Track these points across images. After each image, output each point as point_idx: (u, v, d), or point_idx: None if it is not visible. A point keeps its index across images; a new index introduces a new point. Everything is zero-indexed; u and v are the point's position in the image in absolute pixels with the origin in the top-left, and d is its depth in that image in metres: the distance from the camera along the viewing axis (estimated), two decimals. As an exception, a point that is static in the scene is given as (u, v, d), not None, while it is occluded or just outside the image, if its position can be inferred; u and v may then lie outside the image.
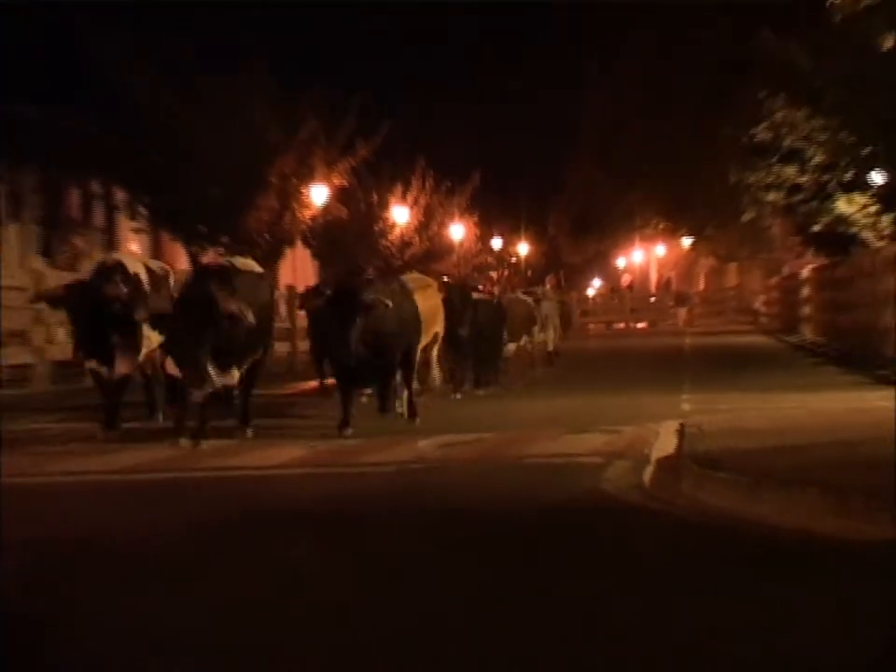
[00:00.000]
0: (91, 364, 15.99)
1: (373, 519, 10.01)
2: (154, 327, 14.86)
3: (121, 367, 15.41)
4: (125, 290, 15.17)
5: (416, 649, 6.18)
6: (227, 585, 7.72)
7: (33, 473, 13.11)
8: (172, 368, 15.11)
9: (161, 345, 15.36)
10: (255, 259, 45.81)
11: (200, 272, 16.39)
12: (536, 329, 28.62)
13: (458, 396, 22.06)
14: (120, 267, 15.72)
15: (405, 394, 17.86)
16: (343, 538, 9.29)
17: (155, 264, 17.63)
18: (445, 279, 23.73)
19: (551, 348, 30.99)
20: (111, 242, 48.95)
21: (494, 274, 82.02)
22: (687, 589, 7.23)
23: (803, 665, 5.72)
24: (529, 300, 28.90)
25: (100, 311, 15.03)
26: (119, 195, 46.58)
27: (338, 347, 15.92)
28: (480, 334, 22.67)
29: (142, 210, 44.90)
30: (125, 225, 48.25)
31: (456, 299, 21.53)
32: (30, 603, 7.42)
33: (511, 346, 26.21)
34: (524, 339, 27.53)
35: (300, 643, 6.36)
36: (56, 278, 22.92)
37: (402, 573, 7.97)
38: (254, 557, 8.57)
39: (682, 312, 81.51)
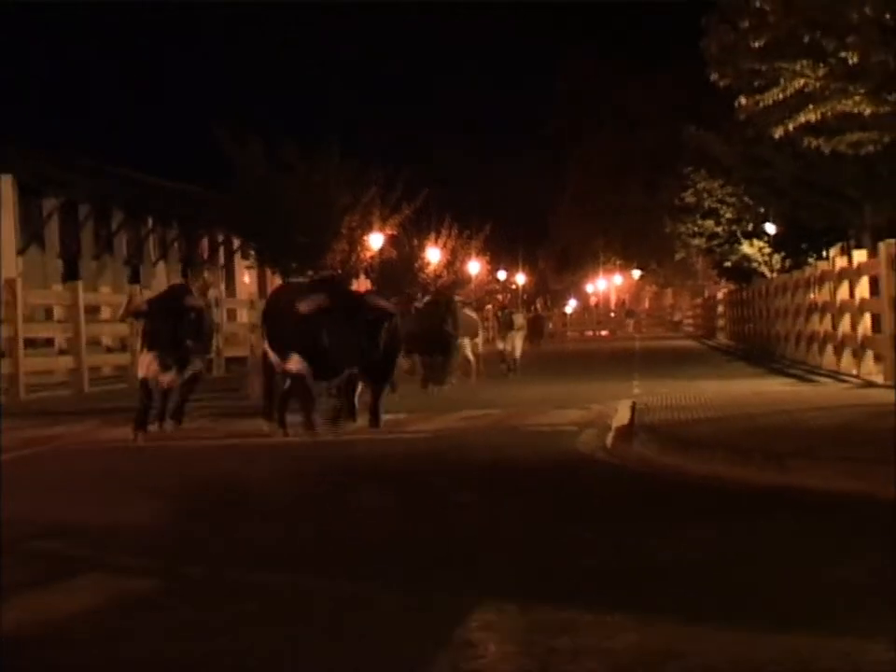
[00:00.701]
0: (149, 369, 13.11)
1: (422, 469, 10.00)
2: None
3: (192, 368, 13.39)
4: (200, 302, 14.15)
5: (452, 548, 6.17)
6: (318, 520, 7.68)
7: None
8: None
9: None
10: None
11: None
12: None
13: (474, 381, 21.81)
14: (187, 287, 14.67)
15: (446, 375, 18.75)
16: (403, 482, 9.27)
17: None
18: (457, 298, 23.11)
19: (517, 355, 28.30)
20: (230, 275, 49.15)
21: (500, 297, 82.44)
22: (631, 515, 7.22)
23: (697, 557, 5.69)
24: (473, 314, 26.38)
25: (179, 318, 13.46)
26: (236, 242, 46.77)
27: (436, 333, 17.51)
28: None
29: (251, 252, 45.32)
30: (240, 263, 48.41)
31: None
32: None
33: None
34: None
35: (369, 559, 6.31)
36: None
37: (446, 504, 7.97)
38: (338, 501, 8.52)
39: (631, 322, 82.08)
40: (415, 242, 56.41)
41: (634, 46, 74.09)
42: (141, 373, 13.29)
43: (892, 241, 18.56)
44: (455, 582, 5.47)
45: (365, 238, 46.16)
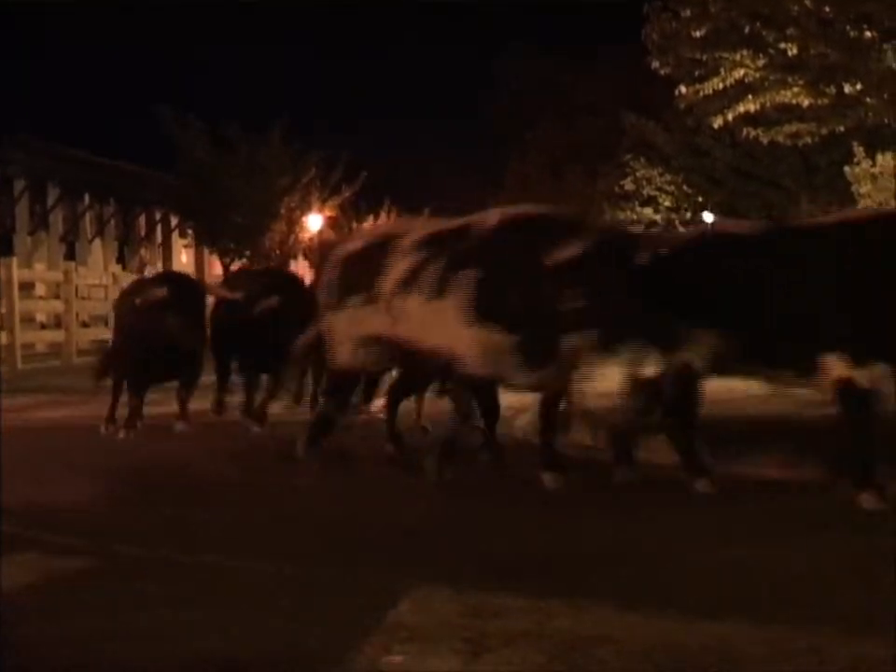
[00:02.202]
0: None
1: (352, 451, 9.96)
2: None
3: None
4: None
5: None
6: (251, 501, 7.67)
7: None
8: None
9: None
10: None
11: None
12: None
13: None
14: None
15: None
16: (331, 463, 9.24)
17: None
18: None
19: None
20: (168, 253, 48.94)
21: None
22: (567, 501, 7.24)
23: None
24: None
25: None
26: (174, 220, 46.59)
27: None
28: None
29: (189, 232, 45.28)
30: (178, 242, 48.19)
31: None
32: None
33: None
34: None
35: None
36: (127, 280, 22.96)
37: (378, 485, 7.96)
38: (271, 481, 8.49)
39: None
40: (354, 224, 56.42)
41: (576, 33, 74.34)
42: None
43: (828, 232, 18.72)
44: (389, 564, 5.48)
45: (304, 219, 46.21)
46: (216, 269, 45.78)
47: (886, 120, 17.22)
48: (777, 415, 10.32)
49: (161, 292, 10.35)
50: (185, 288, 10.70)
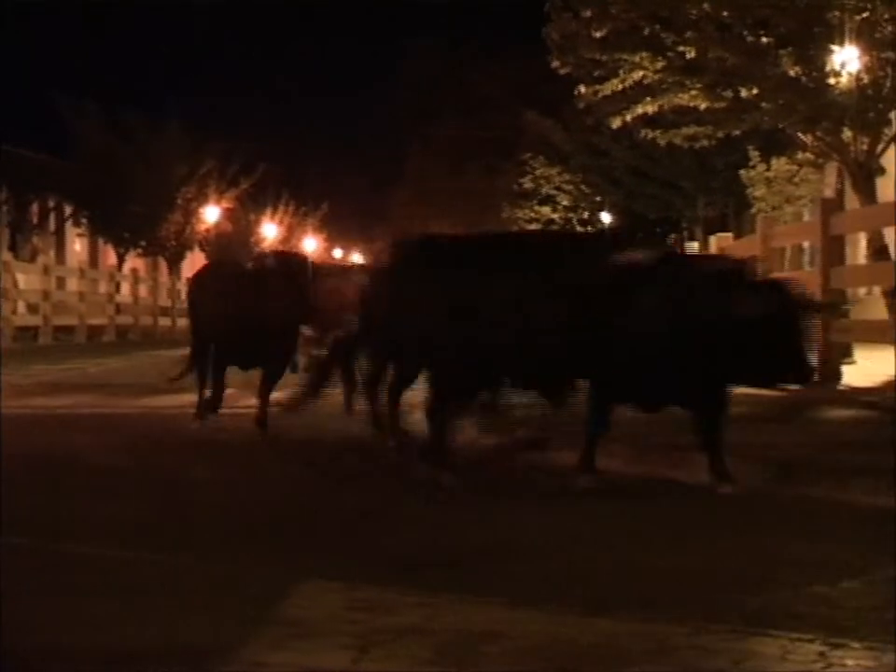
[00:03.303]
0: None
1: (249, 445, 9.92)
2: None
3: None
4: None
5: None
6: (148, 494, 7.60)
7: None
8: None
9: None
10: (164, 259, 45.67)
11: None
12: None
13: None
14: None
15: None
16: (228, 456, 9.20)
17: None
18: None
19: None
20: (61, 242, 48.30)
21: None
22: (461, 497, 7.24)
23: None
24: None
25: None
26: (68, 209, 45.99)
27: None
28: None
29: (83, 220, 44.71)
30: (72, 230, 47.57)
31: None
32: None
33: None
34: None
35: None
36: (20, 268, 22.74)
37: (278, 480, 7.92)
38: (166, 475, 8.43)
39: None
40: (252, 217, 56.18)
41: (478, 30, 74.46)
42: None
43: (723, 234, 19.01)
44: (282, 559, 5.45)
45: (201, 210, 45.88)
46: (110, 258, 45.37)
47: (781, 125, 17.47)
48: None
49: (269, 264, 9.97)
50: (292, 264, 10.17)
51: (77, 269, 33.51)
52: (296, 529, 6.26)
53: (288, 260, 10.38)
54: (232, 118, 59.28)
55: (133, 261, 43.35)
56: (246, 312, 9.80)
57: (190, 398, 12.82)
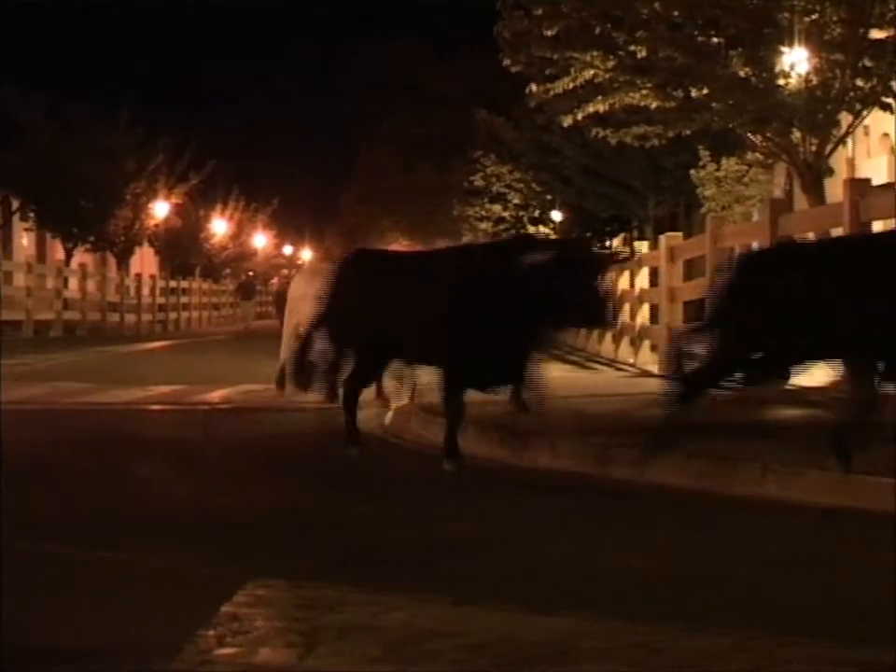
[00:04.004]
0: None
1: (192, 441, 9.91)
2: None
3: None
4: None
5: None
6: (88, 491, 7.55)
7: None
8: None
9: None
10: (113, 254, 45.47)
11: None
12: None
13: None
14: None
15: None
16: (171, 453, 9.17)
17: None
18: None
19: None
20: (8, 237, 47.93)
21: (285, 272, 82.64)
22: (406, 494, 7.27)
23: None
24: None
25: None
26: (15, 203, 45.65)
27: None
28: None
29: (31, 215, 44.41)
30: (19, 225, 47.23)
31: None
32: None
33: None
34: None
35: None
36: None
37: (220, 477, 7.90)
38: (101, 472, 8.39)
39: None
40: (202, 212, 56.00)
41: (429, 29, 74.55)
42: None
43: (673, 233, 19.07)
44: (227, 557, 5.43)
45: (150, 206, 45.68)
46: (57, 253, 45.04)
47: (731, 125, 17.54)
48: (614, 412, 10.47)
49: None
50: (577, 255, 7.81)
51: (25, 264, 33.28)
52: (240, 526, 6.23)
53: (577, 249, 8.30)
54: (183, 113, 59.14)
55: (82, 256, 43.07)
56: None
57: (137, 393, 12.79)
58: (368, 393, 10.00)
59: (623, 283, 20.47)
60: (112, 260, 45.84)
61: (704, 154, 27.58)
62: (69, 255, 43.18)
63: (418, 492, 7.47)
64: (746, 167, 26.98)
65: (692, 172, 28.40)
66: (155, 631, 4.23)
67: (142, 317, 38.37)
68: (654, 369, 17.02)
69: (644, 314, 19.17)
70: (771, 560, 5.37)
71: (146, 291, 39.91)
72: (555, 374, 16.88)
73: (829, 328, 6.96)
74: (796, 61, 16.21)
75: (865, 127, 21.36)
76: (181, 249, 52.77)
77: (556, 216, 44.44)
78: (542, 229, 46.11)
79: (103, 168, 42.19)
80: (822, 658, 3.90)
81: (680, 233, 19.77)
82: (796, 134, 16.56)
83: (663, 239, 18.03)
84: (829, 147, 16.69)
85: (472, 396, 8.12)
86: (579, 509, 6.75)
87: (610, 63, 16.52)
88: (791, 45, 16.08)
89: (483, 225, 49.34)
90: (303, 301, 11.91)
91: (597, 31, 16.45)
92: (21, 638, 4.16)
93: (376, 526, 6.26)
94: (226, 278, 59.57)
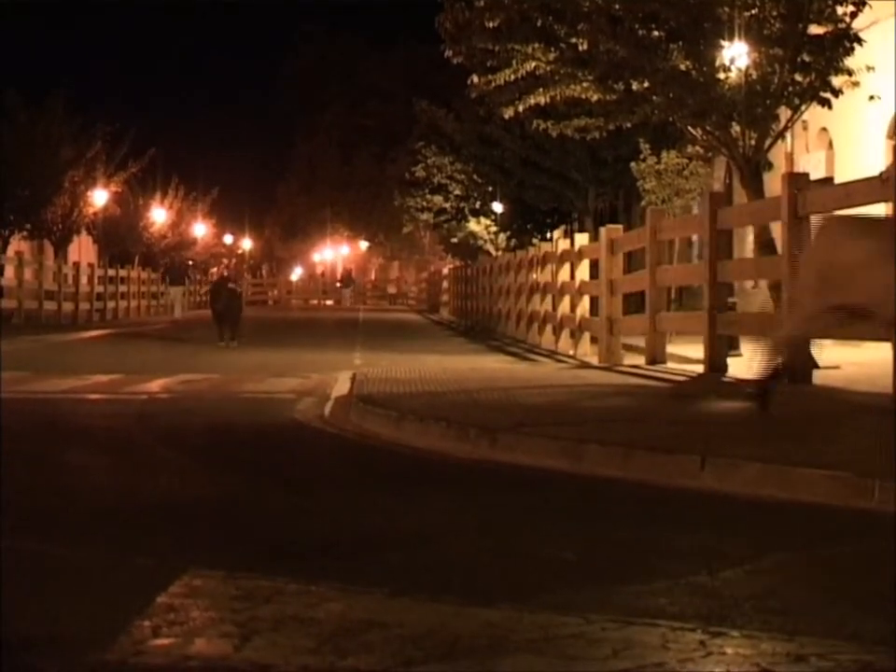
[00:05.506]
0: None
1: (128, 431, 9.87)
2: None
3: None
4: None
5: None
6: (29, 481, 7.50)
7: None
8: None
9: None
10: (51, 242, 45.07)
11: None
12: None
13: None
14: None
15: None
16: (107, 443, 9.13)
17: None
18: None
19: None
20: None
21: (225, 261, 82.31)
22: (345, 485, 7.27)
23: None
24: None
25: None
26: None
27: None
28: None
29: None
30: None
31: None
32: None
33: None
34: None
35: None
36: None
37: (159, 468, 7.87)
38: (49, 462, 8.34)
39: (347, 293, 72.59)
40: (141, 201, 55.68)
41: (371, 19, 74.43)
42: None
43: (613, 226, 19.14)
44: (162, 548, 5.42)
45: (88, 194, 45.33)
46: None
47: (671, 119, 17.62)
48: (554, 403, 10.51)
49: None
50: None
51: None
52: (176, 517, 6.21)
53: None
54: (122, 101, 58.81)
55: (18, 244, 42.68)
56: None
57: (74, 382, 12.70)
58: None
59: (564, 275, 20.56)
60: (49, 248, 45.47)
61: (644, 147, 27.69)
62: (5, 243, 42.78)
63: (356, 483, 7.48)
64: (686, 160, 27.11)
65: (632, 165, 28.52)
66: (88, 623, 4.21)
67: (79, 306, 38.00)
68: (594, 360, 17.11)
69: (584, 306, 19.25)
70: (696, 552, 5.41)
71: (83, 280, 39.58)
72: (496, 365, 17.01)
73: None
74: (736, 55, 16.30)
75: (804, 122, 21.52)
76: (120, 238, 52.43)
77: (497, 207, 44.51)
78: (483, 220, 46.21)
79: (39, 155, 41.86)
80: (759, 651, 3.94)
81: (621, 226, 19.86)
82: (735, 128, 16.64)
83: (603, 231, 18.11)
84: (768, 142, 16.79)
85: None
86: (518, 500, 6.77)
87: (551, 56, 16.55)
88: (730, 39, 16.16)
89: (424, 216, 49.37)
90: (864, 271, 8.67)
91: (539, 23, 16.46)
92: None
93: (312, 517, 6.26)
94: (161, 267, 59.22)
